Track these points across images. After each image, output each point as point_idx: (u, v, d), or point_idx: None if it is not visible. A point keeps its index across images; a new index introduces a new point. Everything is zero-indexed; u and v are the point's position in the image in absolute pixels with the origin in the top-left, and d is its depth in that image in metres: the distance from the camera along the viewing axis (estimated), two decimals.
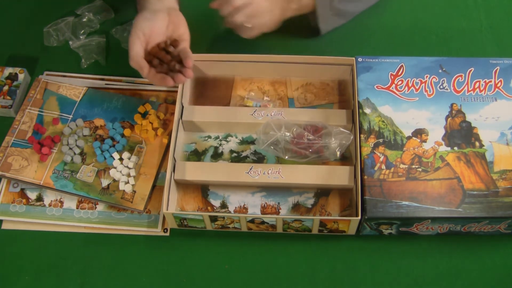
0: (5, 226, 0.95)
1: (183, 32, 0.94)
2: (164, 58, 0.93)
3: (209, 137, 1.01)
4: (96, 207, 0.95)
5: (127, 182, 0.96)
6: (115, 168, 0.97)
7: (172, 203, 0.94)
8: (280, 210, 0.94)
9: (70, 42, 1.12)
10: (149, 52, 0.93)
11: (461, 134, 0.93)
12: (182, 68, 0.92)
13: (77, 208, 0.95)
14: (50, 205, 0.96)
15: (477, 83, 0.98)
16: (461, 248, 0.92)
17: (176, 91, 1.04)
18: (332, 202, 0.95)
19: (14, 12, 1.20)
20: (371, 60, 1.01)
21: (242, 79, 1.07)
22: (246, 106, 1.04)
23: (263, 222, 0.90)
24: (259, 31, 1.04)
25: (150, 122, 1.01)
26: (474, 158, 0.91)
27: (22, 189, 0.97)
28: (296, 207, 0.94)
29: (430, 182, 0.89)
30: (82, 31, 1.14)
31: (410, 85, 0.98)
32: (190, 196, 0.96)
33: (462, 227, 0.89)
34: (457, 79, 0.98)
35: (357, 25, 1.15)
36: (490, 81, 0.98)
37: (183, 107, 1.00)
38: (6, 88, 1.07)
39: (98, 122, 1.02)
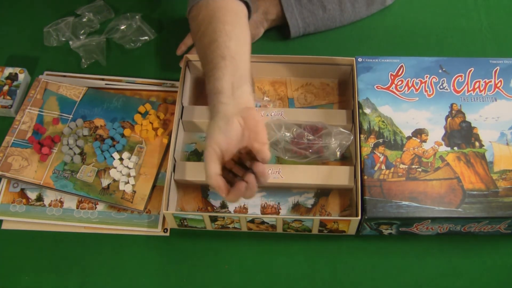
0: (5, 226, 0.95)
1: (261, 137, 0.79)
2: (239, 172, 0.81)
3: None
4: (96, 207, 0.95)
5: (127, 182, 0.96)
6: (115, 168, 0.97)
7: (172, 203, 0.94)
8: (280, 210, 0.94)
9: (70, 42, 1.12)
10: (224, 167, 0.80)
11: (461, 134, 0.93)
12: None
13: (77, 208, 0.95)
14: (50, 205, 0.96)
15: (477, 83, 0.98)
16: (461, 248, 0.92)
17: (176, 91, 1.04)
18: (332, 202, 0.95)
19: (14, 12, 1.20)
20: (371, 60, 1.01)
21: None
22: None
23: (263, 222, 0.90)
24: None
25: (150, 122, 1.01)
26: (474, 158, 0.91)
27: (22, 189, 0.97)
28: (296, 207, 0.94)
29: (430, 182, 0.89)
30: (82, 31, 1.14)
31: (410, 85, 0.98)
32: (190, 196, 0.96)
33: (462, 227, 0.89)
34: (457, 79, 0.98)
35: (357, 25, 1.15)
36: (490, 81, 0.98)
37: (183, 107, 1.00)
38: (6, 88, 1.07)
39: (98, 122, 1.02)
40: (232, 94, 0.80)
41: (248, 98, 0.82)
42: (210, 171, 0.77)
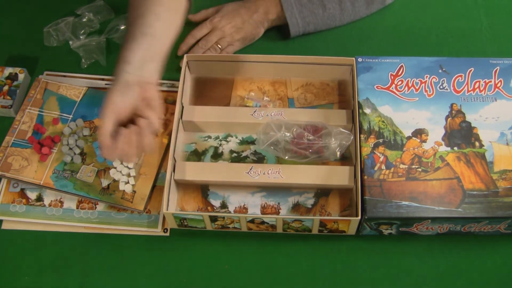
0: (5, 226, 0.95)
1: (157, 111, 0.86)
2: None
3: (209, 137, 1.01)
4: (96, 207, 0.95)
5: (127, 182, 0.96)
6: (115, 168, 0.97)
7: (172, 203, 0.94)
8: (280, 210, 0.94)
9: (70, 42, 1.12)
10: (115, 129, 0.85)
11: (461, 134, 0.93)
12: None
13: (77, 208, 0.95)
14: (50, 205, 0.96)
15: (477, 83, 0.98)
16: (461, 248, 0.92)
17: (176, 91, 1.04)
18: (332, 202, 0.95)
19: (14, 12, 1.20)
20: (371, 60, 1.01)
21: (242, 79, 1.07)
22: (246, 106, 1.04)
23: (263, 222, 0.90)
24: (238, 47, 1.11)
25: None
26: (474, 158, 0.91)
27: (22, 189, 0.97)
28: (296, 207, 0.94)
29: (430, 182, 0.89)
30: (82, 31, 1.14)
31: (410, 85, 0.98)
32: (190, 196, 0.96)
33: (462, 227, 0.89)
34: (457, 79, 0.98)
35: (357, 25, 1.15)
36: (490, 81, 0.98)
37: (183, 107, 1.00)
38: (6, 88, 1.07)
39: (98, 122, 1.02)
40: (139, 67, 0.85)
41: (154, 75, 0.87)
42: (103, 128, 0.82)
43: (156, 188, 0.97)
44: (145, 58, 0.86)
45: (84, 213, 0.95)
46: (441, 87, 0.98)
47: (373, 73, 0.99)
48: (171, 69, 1.10)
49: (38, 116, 1.03)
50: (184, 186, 0.96)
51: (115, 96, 0.83)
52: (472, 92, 0.97)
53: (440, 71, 0.99)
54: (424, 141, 0.93)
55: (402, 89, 0.98)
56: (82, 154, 0.99)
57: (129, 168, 0.97)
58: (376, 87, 0.98)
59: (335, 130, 0.95)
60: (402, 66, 1.00)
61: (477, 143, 0.92)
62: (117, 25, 1.14)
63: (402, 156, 0.92)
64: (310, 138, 0.95)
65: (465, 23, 1.16)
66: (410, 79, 0.99)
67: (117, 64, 0.87)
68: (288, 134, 0.96)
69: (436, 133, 0.94)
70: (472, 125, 0.94)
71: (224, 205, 0.95)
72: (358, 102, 0.97)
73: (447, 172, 0.90)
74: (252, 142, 1.00)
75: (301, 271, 0.90)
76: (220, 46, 1.08)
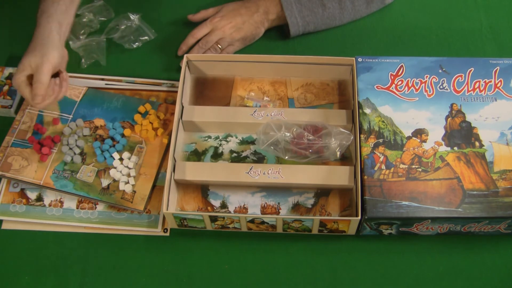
0: (5, 226, 0.95)
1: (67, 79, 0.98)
2: None
3: (209, 137, 1.01)
4: (96, 207, 0.95)
5: (127, 182, 0.96)
6: (115, 168, 0.97)
7: (172, 203, 0.94)
8: (280, 210, 0.94)
9: (70, 42, 1.12)
10: None
11: (461, 134, 0.93)
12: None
13: (77, 208, 0.95)
14: (50, 205, 0.96)
15: (477, 83, 0.98)
16: (461, 248, 0.92)
17: (176, 91, 1.04)
18: (332, 202, 0.95)
19: (14, 12, 1.20)
20: (371, 60, 1.01)
21: (242, 79, 1.07)
22: (246, 106, 1.04)
23: (263, 222, 0.90)
24: (238, 47, 1.11)
25: (150, 122, 1.01)
26: (474, 158, 0.91)
27: (22, 189, 0.97)
28: (296, 207, 0.94)
29: (430, 182, 0.89)
30: (82, 31, 1.14)
31: (410, 85, 0.98)
32: (190, 196, 0.96)
33: (462, 227, 0.89)
34: (457, 79, 0.98)
35: (357, 25, 1.15)
36: (490, 81, 0.98)
37: (183, 107, 1.00)
38: (6, 88, 1.07)
39: (98, 122, 1.02)
40: (65, 32, 0.97)
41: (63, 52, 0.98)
42: (43, 79, 0.91)
43: (156, 188, 0.97)
44: (69, 27, 0.99)
45: (84, 213, 0.95)
46: (441, 87, 0.98)
47: (373, 73, 0.99)
48: (171, 69, 1.10)
49: (38, 116, 1.03)
50: (184, 186, 0.96)
51: (55, 53, 0.93)
52: (472, 92, 0.97)
53: (440, 71, 0.99)
54: (424, 141, 0.93)
55: (402, 89, 0.98)
56: (82, 154, 0.99)
57: (129, 168, 0.97)
58: (376, 87, 0.98)
59: (335, 130, 0.95)
60: (402, 66, 1.00)
61: (477, 143, 0.92)
62: (117, 25, 1.14)
63: (402, 156, 0.92)
64: (310, 138, 0.95)
65: (465, 23, 1.16)
66: (410, 79, 0.99)
67: (48, 20, 0.95)
68: (288, 134, 0.96)
69: (436, 133, 0.94)
70: (472, 125, 0.94)
71: (224, 205, 0.95)
72: (358, 102, 0.97)
73: (447, 172, 0.90)
74: (252, 142, 1.00)
75: (301, 271, 0.90)
76: (220, 46, 1.08)
